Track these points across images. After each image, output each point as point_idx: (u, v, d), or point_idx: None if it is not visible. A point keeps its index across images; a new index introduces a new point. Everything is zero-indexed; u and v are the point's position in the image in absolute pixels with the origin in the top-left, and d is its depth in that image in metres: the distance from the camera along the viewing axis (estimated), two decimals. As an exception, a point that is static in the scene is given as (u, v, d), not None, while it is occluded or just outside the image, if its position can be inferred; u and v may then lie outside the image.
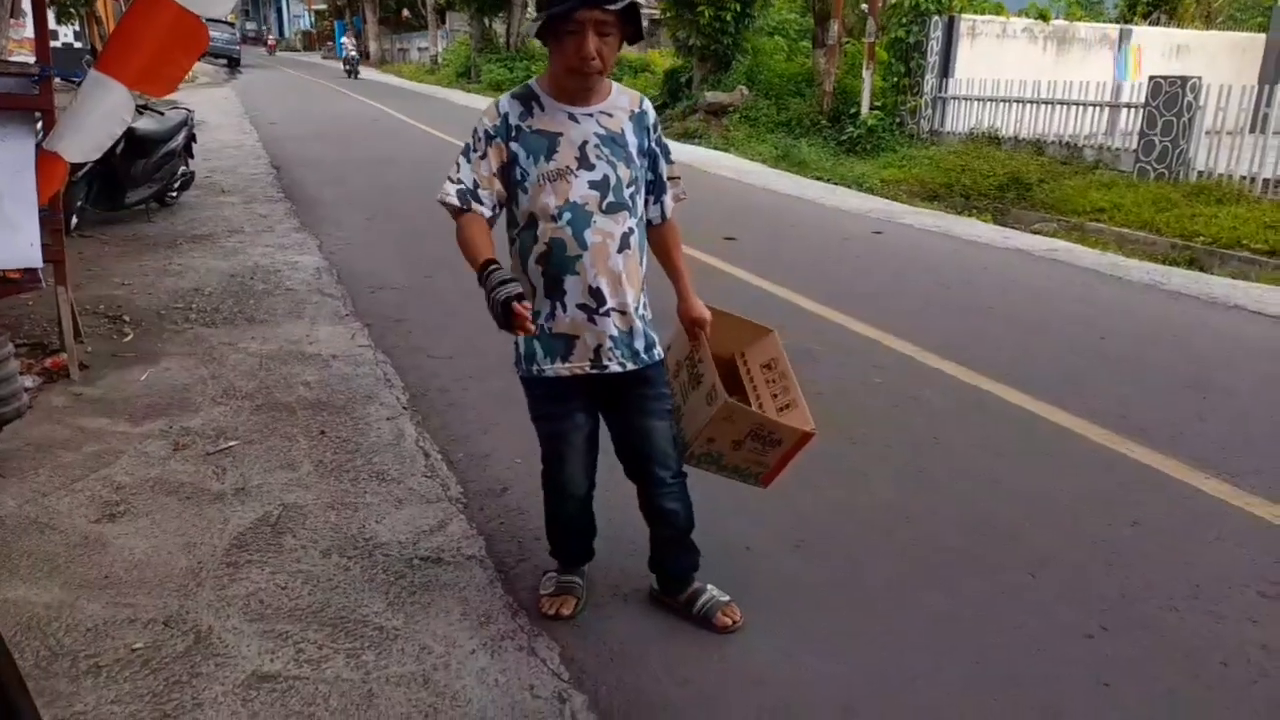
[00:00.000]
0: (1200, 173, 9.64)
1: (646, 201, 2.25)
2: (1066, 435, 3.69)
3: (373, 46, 40.80)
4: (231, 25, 33.85)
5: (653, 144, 2.22)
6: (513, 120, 2.11)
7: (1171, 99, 9.76)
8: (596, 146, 2.10)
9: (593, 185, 2.09)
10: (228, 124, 14.76)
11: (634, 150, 2.15)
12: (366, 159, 11.53)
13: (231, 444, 3.40)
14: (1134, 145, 10.30)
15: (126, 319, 4.79)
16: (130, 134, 6.40)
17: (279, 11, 67.02)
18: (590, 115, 2.11)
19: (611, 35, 2.01)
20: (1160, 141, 9.89)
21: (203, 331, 4.68)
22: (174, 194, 7.82)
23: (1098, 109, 11.30)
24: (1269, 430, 3.81)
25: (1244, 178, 9.17)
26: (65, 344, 3.98)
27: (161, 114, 7.48)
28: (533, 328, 1.89)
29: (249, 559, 2.66)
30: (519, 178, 2.11)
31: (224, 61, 30.77)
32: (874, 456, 3.47)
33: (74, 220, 6.31)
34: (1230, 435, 3.72)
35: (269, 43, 38.79)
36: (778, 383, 2.46)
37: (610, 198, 2.11)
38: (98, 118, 3.65)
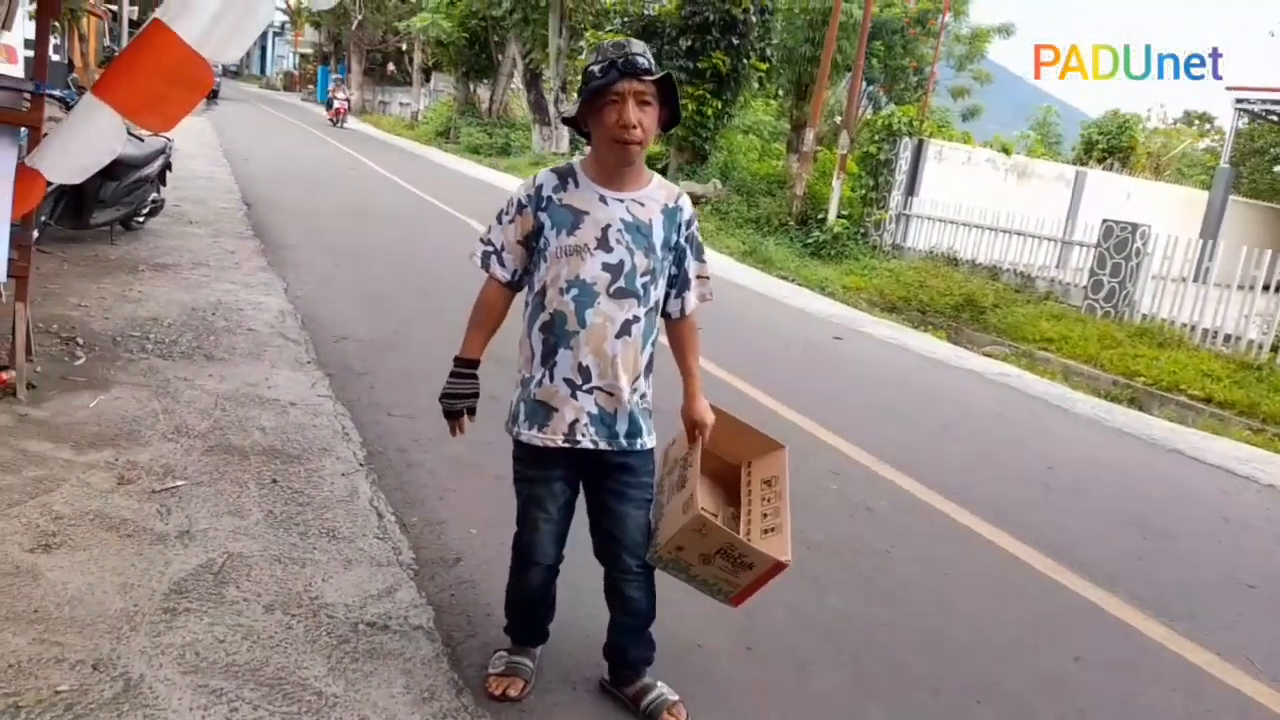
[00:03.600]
0: (1144, 315, 10.12)
1: (667, 296, 2.30)
2: (1013, 562, 3.76)
3: (354, 96, 41.18)
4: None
5: (682, 239, 2.27)
6: (546, 191, 2.20)
7: (1121, 243, 10.28)
8: (620, 231, 2.16)
9: (605, 267, 2.14)
10: (202, 155, 14.66)
11: (658, 242, 2.20)
12: (339, 206, 11.52)
13: (179, 483, 3.30)
14: (1084, 282, 10.78)
15: (80, 341, 4.66)
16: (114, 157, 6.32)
17: (263, 49, 67.34)
18: (621, 201, 2.18)
19: (650, 108, 2.11)
20: (1109, 281, 10.37)
21: (158, 363, 4.57)
22: (141, 219, 7.70)
23: (1052, 243, 11.85)
24: (1205, 578, 3.93)
25: (1184, 325, 9.64)
26: (15, 361, 3.85)
27: (141, 139, 7.40)
28: (455, 437, 2.29)
29: (188, 607, 2.56)
30: (542, 246, 2.19)
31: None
32: (828, 564, 3.49)
33: (35, 234, 6.16)
34: (1167, 579, 3.83)
35: (337, 108, 28.89)
36: (771, 503, 2.42)
37: (620, 283, 2.16)
38: (87, 142, 3.62)
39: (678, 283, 2.31)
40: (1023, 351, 9.33)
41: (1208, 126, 31.62)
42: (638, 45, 2.09)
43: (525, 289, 2.27)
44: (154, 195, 7.76)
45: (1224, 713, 2.85)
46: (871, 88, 20.63)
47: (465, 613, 2.76)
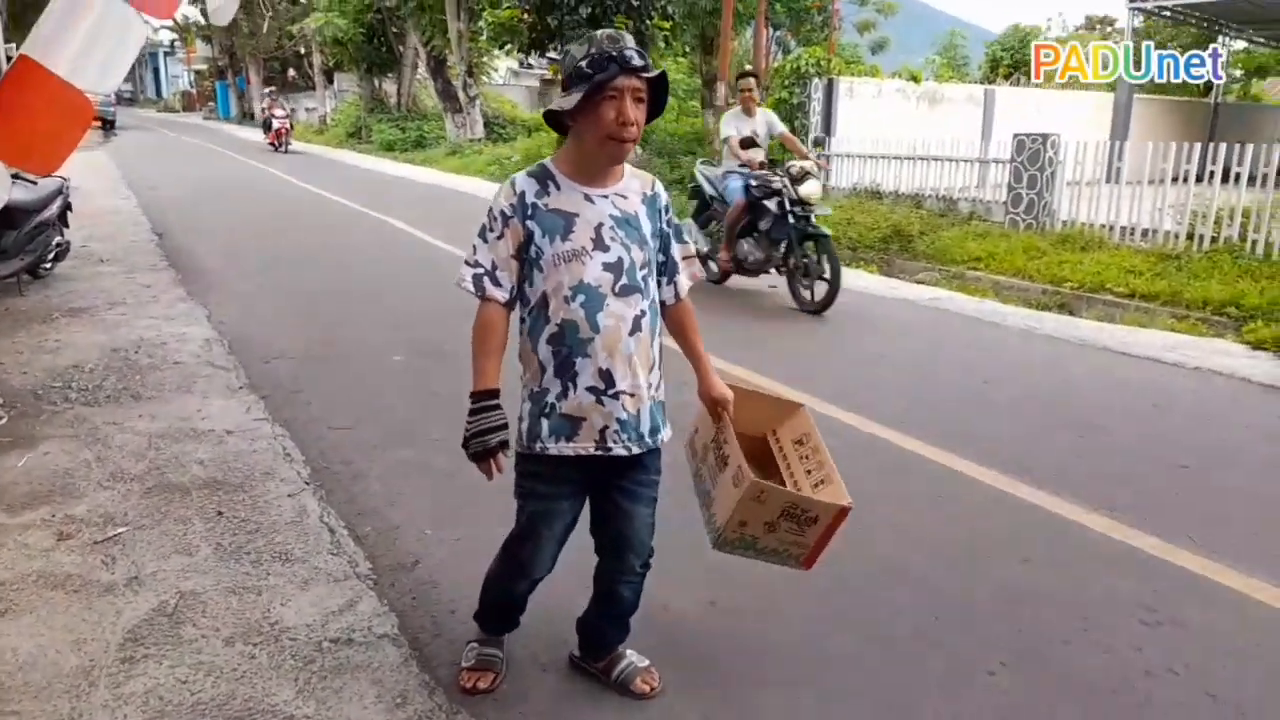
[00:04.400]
0: (1064, 222, 10.37)
1: (660, 283, 2.25)
2: (958, 478, 3.87)
3: (257, 106, 40.08)
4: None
5: (664, 225, 2.23)
6: (529, 198, 2.10)
7: (1034, 155, 10.49)
8: (612, 228, 2.10)
9: (607, 267, 2.09)
10: (104, 189, 14.19)
11: (647, 233, 2.15)
12: (254, 224, 11.27)
13: (121, 530, 3.23)
14: (1004, 198, 11.00)
15: (0, 402, 4.52)
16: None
17: (155, 72, 65.15)
18: (606, 197, 2.12)
19: (643, 105, 2.04)
20: (1027, 194, 10.59)
21: (84, 411, 4.45)
22: (48, 265, 7.44)
23: (969, 164, 12.05)
24: (1142, 465, 4.08)
25: (1103, 226, 9.90)
26: (-69, 431, 3.73)
27: (34, 183, 7.12)
28: (492, 480, 2.12)
29: (145, 653, 2.53)
30: (534, 255, 2.09)
31: (98, 124, 29.63)
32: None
33: (-63, 296, 5.94)
34: (1105, 471, 3.97)
35: (277, 128, 23.53)
36: (811, 458, 2.41)
37: (624, 280, 2.10)
38: (-31, 194, 3.49)
39: (668, 269, 2.26)
40: (953, 274, 9.50)
41: (1109, 30, 32.24)
42: (630, 40, 2.03)
43: (520, 305, 2.17)
44: (58, 239, 7.50)
45: (1172, 592, 2.97)
46: (778, 33, 20.69)
47: (429, 613, 2.77)
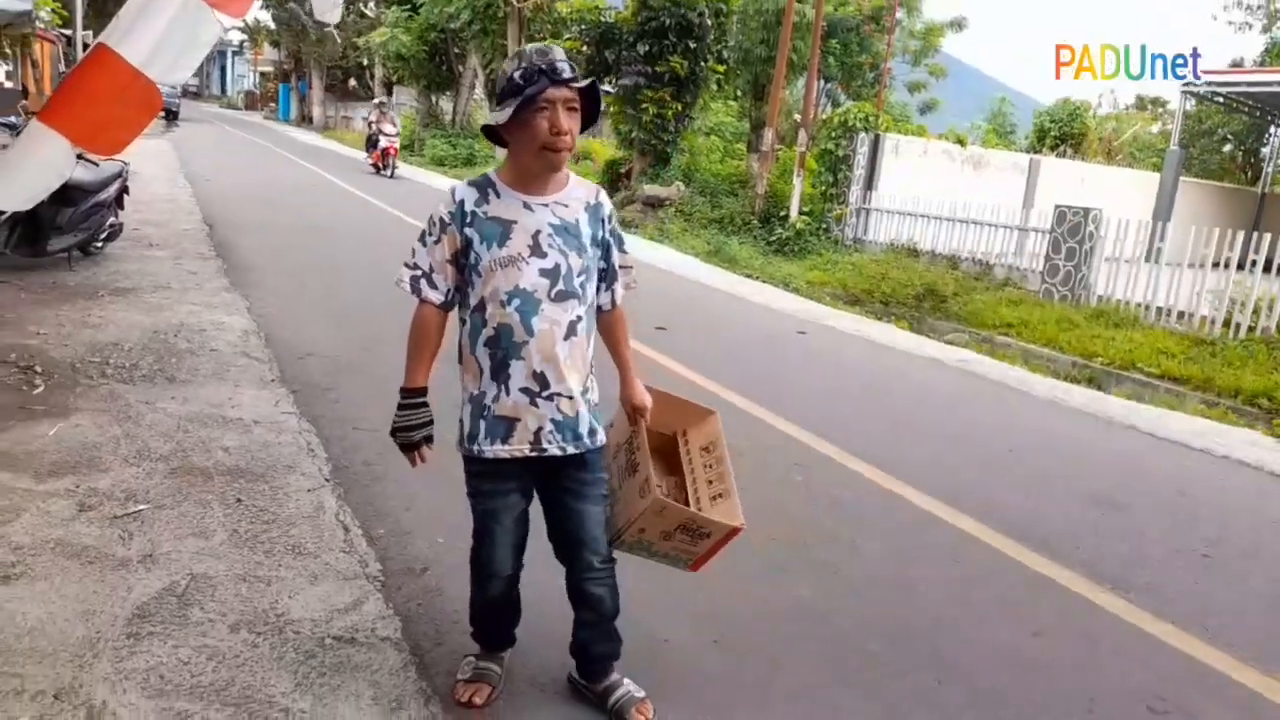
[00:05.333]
0: (1100, 297, 10.30)
1: (599, 289, 2.33)
2: (974, 544, 3.83)
3: (316, 111, 40.90)
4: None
5: (606, 234, 2.30)
6: (469, 206, 2.19)
7: (1074, 227, 10.46)
8: (550, 236, 2.17)
9: (543, 273, 2.16)
10: (162, 177, 14.53)
11: (587, 240, 2.23)
12: (302, 224, 11.46)
13: (141, 508, 3.28)
14: (1040, 267, 10.96)
15: (38, 370, 4.62)
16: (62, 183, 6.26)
17: (222, 70, 66.76)
18: (546, 205, 2.20)
19: (576, 115, 2.13)
20: (1064, 265, 10.55)
21: (119, 388, 4.54)
22: (99, 244, 7.63)
23: (1008, 230, 12.04)
24: (1161, 549, 4.02)
25: (1139, 304, 9.83)
26: (-30, 393, 3.82)
27: (96, 164, 7.33)
28: (416, 467, 2.30)
29: (151, 631, 2.56)
30: (473, 262, 2.18)
31: (162, 114, 30.37)
32: (794, 555, 3.55)
33: (-11, 264, 6.10)
34: (1124, 552, 3.92)
35: (384, 147, 19.41)
36: (714, 468, 2.52)
37: (560, 286, 2.18)
38: (35, 169, 3.61)
39: (607, 276, 2.34)
40: (983, 337, 9.46)
41: (1160, 110, 32.20)
42: (559, 52, 2.11)
43: (458, 306, 2.27)
44: (112, 220, 7.70)
45: (1181, 680, 2.92)
46: (829, 85, 20.84)
47: (433, 621, 2.78)
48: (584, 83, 2.12)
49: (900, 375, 7.01)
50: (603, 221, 2.29)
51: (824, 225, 13.94)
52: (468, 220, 2.18)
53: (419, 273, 2.22)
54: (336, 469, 3.86)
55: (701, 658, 2.76)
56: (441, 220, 2.20)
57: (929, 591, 3.36)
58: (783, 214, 13.98)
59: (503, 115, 2.11)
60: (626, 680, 2.45)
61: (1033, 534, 3.94)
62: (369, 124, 20.99)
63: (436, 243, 2.21)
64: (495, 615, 2.47)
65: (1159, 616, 3.31)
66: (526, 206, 2.18)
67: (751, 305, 9.49)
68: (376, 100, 23.07)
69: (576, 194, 2.25)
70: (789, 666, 2.76)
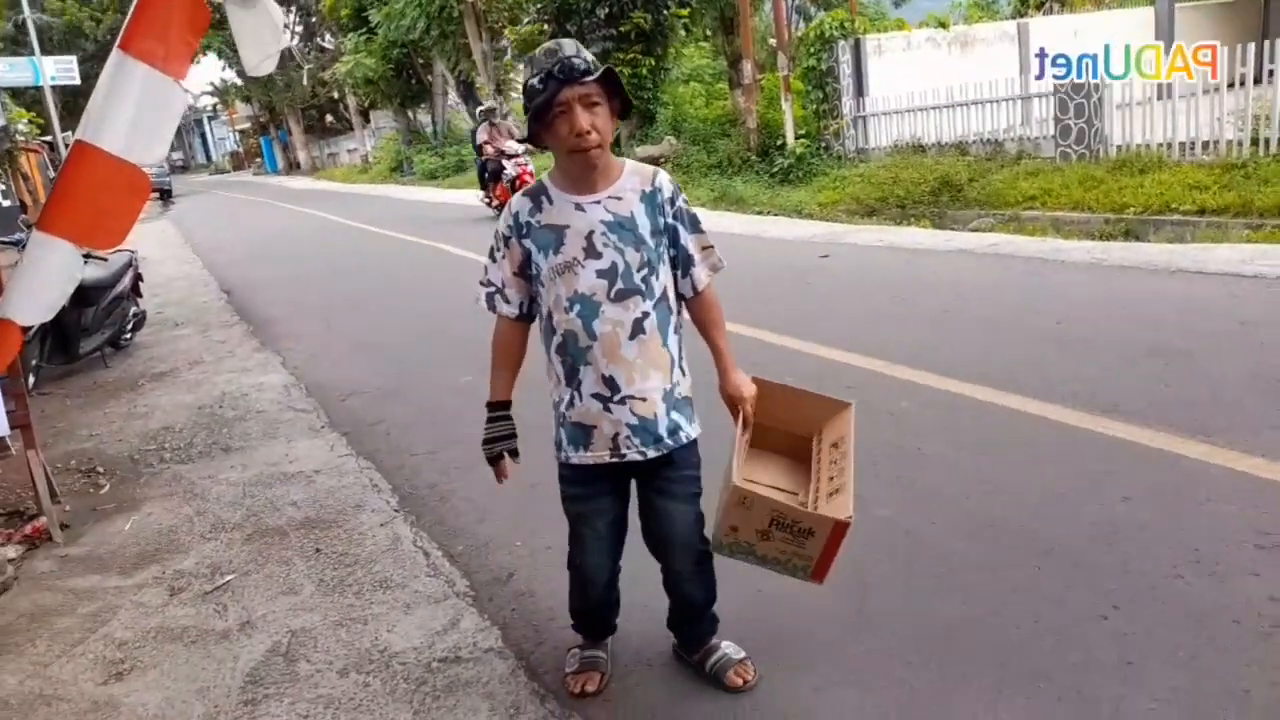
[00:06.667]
0: (1118, 147, 10.00)
1: (675, 277, 2.23)
2: (1043, 423, 3.77)
3: (302, 156, 41.15)
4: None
5: (669, 219, 2.18)
6: (523, 218, 2.17)
7: (1077, 82, 10.14)
8: (603, 234, 2.11)
9: (600, 274, 2.11)
10: (171, 256, 14.74)
11: (645, 232, 2.13)
12: (315, 270, 11.56)
13: (228, 578, 3.36)
14: (1051, 131, 10.67)
15: (100, 470, 4.74)
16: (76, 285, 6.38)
17: (203, 137, 67.40)
18: (598, 203, 2.13)
19: (600, 107, 2.05)
20: (1075, 124, 10.25)
21: (179, 469, 4.64)
22: (128, 336, 7.78)
23: (1011, 103, 11.72)
24: (1231, 386, 3.93)
25: (1160, 145, 9.53)
26: (43, 507, 3.93)
27: (104, 259, 7.46)
28: (502, 484, 2.28)
29: (266, 693, 2.63)
30: (535, 272, 2.18)
31: (156, 195, 30.76)
32: (864, 476, 3.48)
33: (31, 380, 6.25)
34: (1197, 396, 3.83)
35: (515, 175, 12.50)
36: (837, 464, 2.29)
37: (620, 285, 2.11)
38: (47, 278, 3.66)
39: (680, 262, 2.21)
40: (1008, 217, 9.26)
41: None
42: (569, 46, 2.03)
43: (540, 316, 2.24)
44: (133, 309, 7.84)
45: (1281, 512, 2.86)
46: (798, 1, 20.41)
47: (530, 623, 2.81)
48: (597, 74, 2.03)
49: (932, 275, 6.90)
50: (662, 207, 2.17)
51: (823, 144, 13.70)
52: (524, 232, 2.17)
53: (493, 289, 2.24)
54: (403, 498, 3.91)
55: (795, 600, 2.74)
56: (504, 236, 2.20)
57: (1007, 482, 3.32)
58: (779, 143, 13.76)
59: (529, 129, 2.09)
60: (725, 643, 2.45)
61: (1100, 400, 3.86)
62: (479, 146, 13.84)
63: (503, 258, 2.21)
64: (595, 613, 2.50)
65: (1247, 453, 3.25)
66: (578, 208, 2.13)
67: (768, 241, 9.40)
68: (484, 106, 15.98)
69: (630, 184, 2.16)
70: (880, 589, 2.75)
